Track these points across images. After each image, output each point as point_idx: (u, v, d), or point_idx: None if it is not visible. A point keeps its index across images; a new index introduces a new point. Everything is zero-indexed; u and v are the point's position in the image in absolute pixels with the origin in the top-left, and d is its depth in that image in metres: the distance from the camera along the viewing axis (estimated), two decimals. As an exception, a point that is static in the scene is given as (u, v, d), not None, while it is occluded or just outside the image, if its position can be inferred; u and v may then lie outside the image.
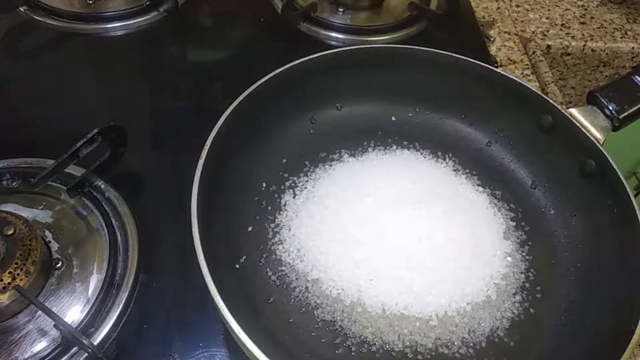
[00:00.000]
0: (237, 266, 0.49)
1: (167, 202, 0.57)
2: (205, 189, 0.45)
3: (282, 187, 0.56)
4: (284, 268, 0.50)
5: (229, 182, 0.52)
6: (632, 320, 0.41)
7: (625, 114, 0.55)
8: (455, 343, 0.47)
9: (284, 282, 0.49)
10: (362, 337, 0.46)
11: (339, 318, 0.47)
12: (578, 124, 0.54)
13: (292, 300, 0.48)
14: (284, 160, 0.58)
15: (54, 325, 0.44)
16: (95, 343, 0.44)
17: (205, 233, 0.43)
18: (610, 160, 0.51)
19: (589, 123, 0.54)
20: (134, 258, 0.50)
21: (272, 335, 0.45)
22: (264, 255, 0.51)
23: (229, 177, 0.52)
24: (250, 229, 0.53)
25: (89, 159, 0.53)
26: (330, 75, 0.60)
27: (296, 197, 0.55)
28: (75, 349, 0.44)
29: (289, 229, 0.53)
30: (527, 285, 0.51)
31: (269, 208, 0.55)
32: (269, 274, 0.50)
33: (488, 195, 0.57)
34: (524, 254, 0.53)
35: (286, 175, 0.57)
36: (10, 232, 0.45)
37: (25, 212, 0.52)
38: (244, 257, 0.50)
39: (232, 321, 0.38)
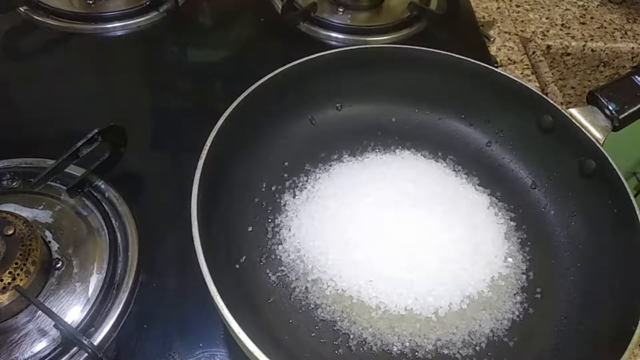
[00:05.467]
0: (237, 266, 0.49)
1: (167, 202, 0.57)
2: (205, 189, 0.45)
3: (282, 188, 0.56)
4: (283, 268, 0.50)
5: (229, 182, 0.52)
6: (632, 320, 0.41)
7: (625, 114, 0.55)
8: (456, 344, 0.46)
9: (283, 282, 0.49)
10: (362, 338, 0.46)
11: (338, 318, 0.47)
12: (578, 124, 0.54)
13: (292, 300, 0.48)
14: (284, 161, 0.58)
15: (54, 325, 0.44)
16: (95, 343, 0.44)
17: (205, 233, 0.43)
18: (610, 160, 0.50)
19: (589, 123, 0.54)
20: (134, 258, 0.50)
21: (272, 336, 0.45)
22: (264, 256, 0.51)
23: (229, 177, 0.52)
24: (250, 229, 0.53)
25: (89, 159, 0.53)
26: (330, 75, 0.60)
27: (296, 197, 0.55)
28: (75, 349, 0.44)
29: (289, 229, 0.53)
30: (527, 285, 0.51)
31: (269, 208, 0.55)
32: (269, 274, 0.50)
33: (488, 195, 0.57)
34: (524, 254, 0.53)
35: (286, 175, 0.57)
36: (10, 232, 0.45)
37: (25, 212, 0.52)
38: (244, 257, 0.50)
39: (232, 321, 0.38)
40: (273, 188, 0.56)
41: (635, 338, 0.40)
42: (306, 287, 0.49)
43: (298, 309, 0.48)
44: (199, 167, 0.46)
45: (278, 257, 0.51)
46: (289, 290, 0.49)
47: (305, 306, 0.48)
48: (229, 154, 0.52)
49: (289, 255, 0.51)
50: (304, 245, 0.51)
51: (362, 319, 0.47)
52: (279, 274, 0.50)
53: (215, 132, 0.49)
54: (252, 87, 0.54)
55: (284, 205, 0.55)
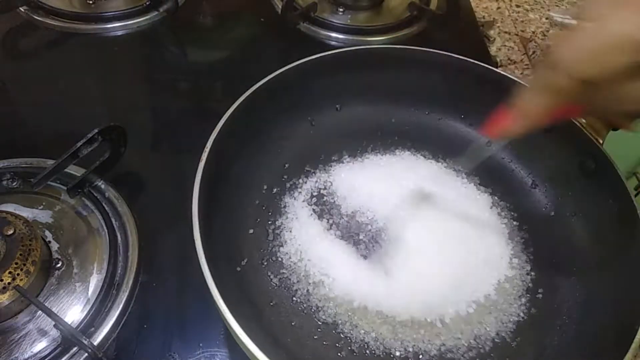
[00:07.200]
0: (239, 269, 0.49)
1: (167, 202, 0.57)
2: (206, 191, 0.45)
3: (283, 189, 0.56)
4: (285, 271, 0.50)
5: (230, 185, 0.52)
6: (635, 320, 0.41)
7: (626, 113, 0.55)
8: (461, 349, 0.46)
9: (285, 285, 0.49)
10: (365, 342, 0.46)
11: (340, 322, 0.47)
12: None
13: (294, 303, 0.48)
14: (284, 162, 0.58)
15: (54, 325, 0.43)
16: (95, 343, 0.44)
17: (207, 236, 0.42)
18: (611, 160, 0.50)
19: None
20: (134, 258, 0.50)
21: (275, 338, 0.45)
22: (265, 258, 0.51)
23: (229, 180, 0.52)
24: (251, 231, 0.52)
25: (89, 159, 0.53)
26: (330, 76, 0.60)
27: (296, 199, 0.55)
28: (75, 349, 0.44)
29: (290, 231, 0.53)
30: (530, 286, 0.50)
31: (270, 210, 0.54)
32: (270, 276, 0.50)
33: (490, 195, 0.57)
34: (528, 254, 0.52)
35: (286, 177, 0.57)
36: (10, 232, 0.45)
37: (25, 212, 0.52)
38: (245, 260, 0.50)
39: (235, 325, 0.38)
40: (274, 190, 0.56)
41: (638, 337, 0.40)
42: (307, 290, 0.49)
43: (300, 312, 0.48)
44: (199, 170, 0.46)
45: (279, 259, 0.51)
46: (290, 292, 0.49)
47: (307, 309, 0.48)
48: (230, 156, 0.52)
49: (290, 258, 0.51)
50: (304, 248, 0.51)
51: (363, 322, 0.47)
52: (281, 276, 0.50)
53: (215, 135, 0.49)
54: (252, 89, 0.54)
55: (285, 207, 0.55)
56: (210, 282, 0.39)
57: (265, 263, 0.51)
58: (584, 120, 0.54)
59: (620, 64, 0.32)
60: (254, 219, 0.53)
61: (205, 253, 0.41)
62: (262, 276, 0.50)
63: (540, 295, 0.50)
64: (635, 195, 0.48)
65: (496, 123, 0.40)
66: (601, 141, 0.53)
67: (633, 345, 0.39)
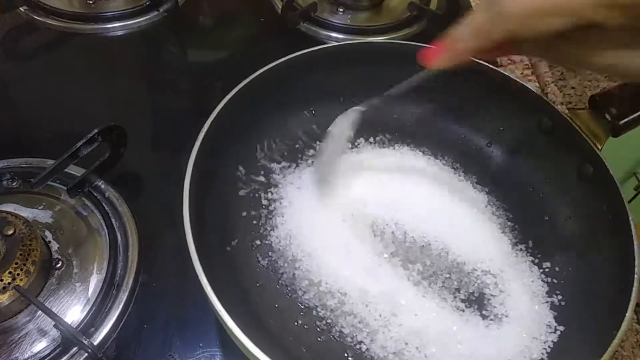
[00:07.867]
0: (229, 248, 0.50)
1: (167, 202, 0.56)
2: (200, 171, 0.46)
3: (279, 176, 0.56)
4: (273, 254, 0.51)
5: (225, 167, 0.52)
6: (617, 321, 0.41)
7: (626, 119, 0.54)
8: (451, 346, 0.46)
9: (272, 267, 0.50)
10: (344, 329, 0.46)
11: (322, 307, 0.47)
12: (577, 128, 0.53)
13: (279, 285, 0.49)
14: (283, 151, 0.58)
15: (54, 325, 0.44)
16: (95, 343, 0.44)
17: (197, 214, 0.43)
18: (608, 166, 0.50)
19: (589, 127, 0.54)
20: (134, 258, 0.50)
21: (258, 319, 0.46)
22: (256, 240, 0.51)
23: (226, 163, 0.52)
24: (244, 214, 0.53)
25: (89, 159, 0.53)
26: (332, 69, 0.60)
27: (292, 185, 0.56)
28: (75, 349, 0.44)
29: (282, 216, 0.53)
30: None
31: (265, 196, 0.55)
32: (259, 258, 0.50)
33: (486, 194, 0.57)
34: (527, 253, 0.53)
35: (284, 164, 0.57)
36: (10, 232, 0.46)
37: (25, 212, 0.52)
38: (235, 241, 0.50)
39: (216, 302, 0.38)
40: (270, 176, 0.56)
41: (615, 341, 0.39)
42: (293, 274, 0.49)
43: (284, 295, 0.48)
44: (194, 149, 0.47)
45: (269, 242, 0.51)
46: (277, 275, 0.49)
47: (291, 292, 0.48)
48: (227, 140, 0.52)
49: (279, 242, 0.51)
50: (294, 233, 0.51)
51: (346, 309, 0.47)
52: (269, 259, 0.50)
53: (214, 116, 0.50)
54: (251, 77, 0.54)
55: (280, 193, 0.55)
56: (194, 257, 0.40)
57: (255, 245, 0.51)
58: (582, 124, 0.53)
59: (552, 28, 0.32)
60: (249, 203, 0.54)
61: (192, 230, 0.41)
62: (250, 257, 0.50)
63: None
64: (635, 195, 0.48)
65: (430, 52, 0.42)
66: (600, 147, 0.53)
67: (610, 349, 0.39)
